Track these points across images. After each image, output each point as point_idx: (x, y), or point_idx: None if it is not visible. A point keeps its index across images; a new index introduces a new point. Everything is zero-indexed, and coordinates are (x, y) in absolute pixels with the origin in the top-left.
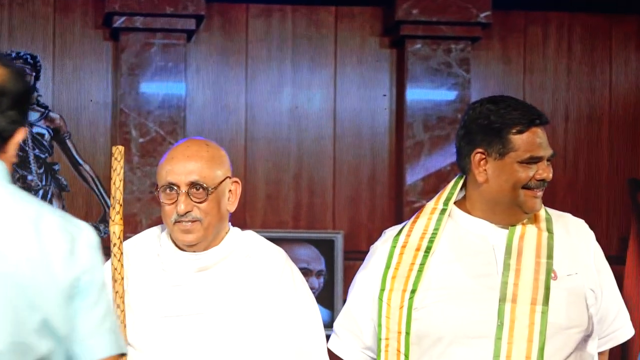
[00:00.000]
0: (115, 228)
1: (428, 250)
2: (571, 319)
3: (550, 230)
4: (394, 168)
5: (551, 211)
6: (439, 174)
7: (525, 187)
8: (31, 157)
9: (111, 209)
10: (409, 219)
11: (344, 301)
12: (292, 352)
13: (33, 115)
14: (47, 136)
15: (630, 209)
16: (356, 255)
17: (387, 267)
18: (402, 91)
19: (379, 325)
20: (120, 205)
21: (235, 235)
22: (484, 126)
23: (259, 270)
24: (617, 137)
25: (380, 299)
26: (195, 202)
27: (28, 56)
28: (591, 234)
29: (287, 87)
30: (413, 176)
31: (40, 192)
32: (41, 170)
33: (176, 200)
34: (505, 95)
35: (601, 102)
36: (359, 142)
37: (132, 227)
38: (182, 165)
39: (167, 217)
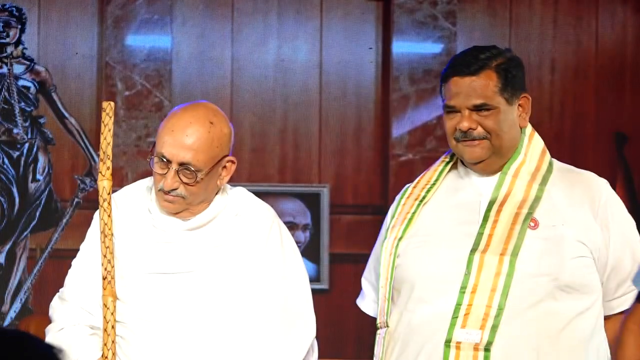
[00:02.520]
0: (105, 183)
1: (423, 199)
2: (541, 267)
3: (544, 182)
4: (380, 121)
5: (562, 165)
6: (425, 127)
7: (455, 139)
8: (17, 110)
9: (101, 163)
10: (394, 171)
11: (330, 254)
12: (279, 308)
13: (18, 68)
14: (32, 89)
15: (616, 162)
16: (342, 209)
17: (392, 217)
18: (388, 44)
19: (379, 273)
20: (110, 160)
21: (225, 193)
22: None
23: (248, 229)
24: (603, 89)
25: (382, 248)
26: (184, 182)
27: (13, 8)
28: (602, 192)
29: (273, 39)
30: (399, 129)
31: (26, 145)
32: (27, 124)
33: (166, 173)
34: (473, 46)
35: (587, 54)
36: (344, 96)
37: (118, 181)
38: (180, 143)
39: (155, 183)
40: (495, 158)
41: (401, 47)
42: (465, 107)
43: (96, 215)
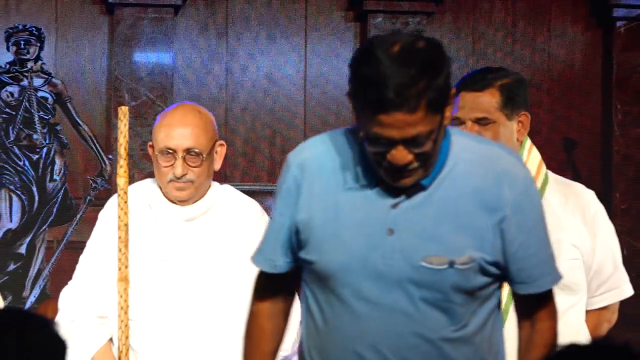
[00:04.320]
0: (120, 180)
1: None
2: None
3: (542, 192)
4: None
5: (556, 177)
6: None
7: None
8: (36, 119)
9: (117, 163)
10: None
11: None
12: None
13: (38, 81)
14: (50, 100)
15: (566, 165)
16: None
17: None
18: None
19: None
20: (125, 160)
21: (216, 189)
22: None
23: (238, 221)
24: (555, 100)
25: None
26: (191, 166)
27: (33, 28)
28: (591, 202)
29: (263, 56)
30: None
31: (44, 149)
32: (45, 130)
33: (173, 163)
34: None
35: (541, 69)
36: (326, 106)
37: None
38: (180, 132)
39: (163, 177)
40: None
41: None
42: (469, 119)
43: (101, 214)
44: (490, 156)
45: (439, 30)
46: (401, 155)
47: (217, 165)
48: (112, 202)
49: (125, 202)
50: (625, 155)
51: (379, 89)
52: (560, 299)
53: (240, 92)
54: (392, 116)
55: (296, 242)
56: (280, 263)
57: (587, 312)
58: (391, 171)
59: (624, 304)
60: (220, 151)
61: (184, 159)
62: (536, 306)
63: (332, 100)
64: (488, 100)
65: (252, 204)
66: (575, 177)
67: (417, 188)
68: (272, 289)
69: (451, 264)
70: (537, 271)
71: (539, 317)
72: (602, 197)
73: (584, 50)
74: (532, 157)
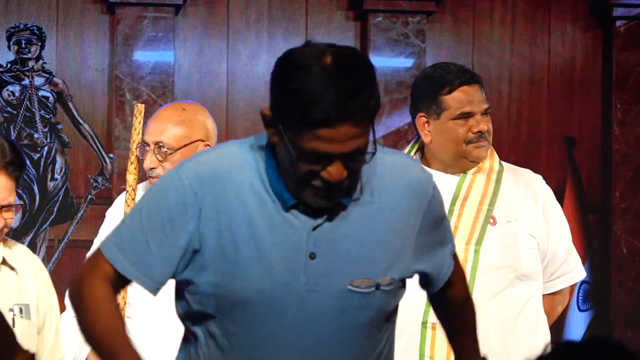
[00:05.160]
0: (130, 177)
1: None
2: (503, 259)
3: (498, 181)
4: None
5: (507, 165)
6: (397, 132)
7: (467, 141)
8: (37, 118)
9: (128, 160)
10: None
11: None
12: None
13: (39, 80)
14: (51, 99)
15: (566, 163)
16: None
17: None
18: None
19: None
20: (136, 157)
21: None
22: (422, 92)
23: None
24: (554, 98)
25: None
26: (159, 160)
27: (34, 27)
28: (541, 188)
29: (264, 55)
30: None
31: (45, 148)
32: (46, 129)
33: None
34: (446, 62)
35: (541, 68)
36: None
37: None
38: (153, 126)
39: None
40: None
41: (376, 61)
42: (479, 112)
43: (108, 211)
44: (396, 166)
45: (439, 30)
46: (338, 171)
47: None
48: (120, 200)
49: (133, 199)
50: (625, 154)
51: (320, 103)
52: (521, 290)
53: (240, 91)
54: (337, 130)
55: (187, 263)
56: (162, 282)
57: (542, 296)
58: (323, 190)
59: (624, 304)
60: None
61: (153, 152)
62: (450, 291)
63: None
64: (482, 92)
65: None
66: (576, 176)
67: (337, 208)
68: (115, 289)
69: (377, 286)
70: (445, 263)
71: (457, 299)
72: (601, 196)
73: (583, 49)
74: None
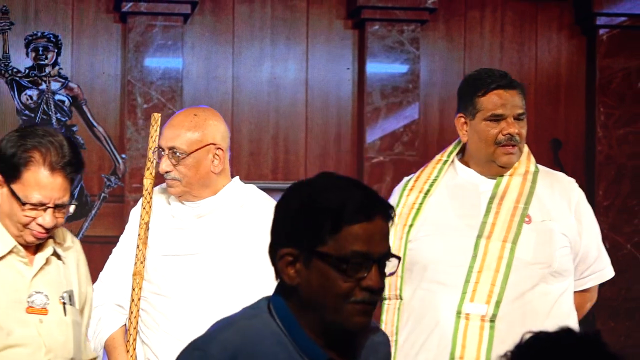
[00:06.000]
0: (146, 181)
1: (427, 192)
2: (537, 256)
3: (534, 182)
4: (355, 129)
5: (542, 168)
6: (393, 134)
7: (497, 143)
8: (54, 120)
9: (145, 166)
10: (368, 171)
11: None
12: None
13: (55, 85)
14: (67, 102)
15: (552, 164)
16: None
17: (397, 205)
18: (362, 65)
19: None
20: (152, 162)
21: (234, 187)
22: (462, 94)
23: (250, 218)
24: (541, 103)
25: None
26: (173, 163)
27: (51, 35)
28: (574, 190)
29: (267, 61)
30: (372, 136)
31: None
32: (62, 131)
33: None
34: (491, 67)
35: (528, 73)
36: (326, 108)
37: (139, 179)
38: (167, 132)
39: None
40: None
41: (374, 67)
42: (511, 115)
43: (132, 211)
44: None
45: (432, 38)
46: (376, 276)
47: (217, 169)
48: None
49: (149, 202)
50: (608, 155)
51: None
52: (554, 286)
53: (245, 95)
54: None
55: None
56: None
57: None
58: (364, 303)
59: (607, 297)
60: (221, 156)
61: (167, 156)
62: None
63: (332, 103)
64: (521, 97)
65: (268, 202)
66: None
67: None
68: None
69: None
70: None
71: None
72: (585, 195)
73: (568, 56)
74: (525, 150)
